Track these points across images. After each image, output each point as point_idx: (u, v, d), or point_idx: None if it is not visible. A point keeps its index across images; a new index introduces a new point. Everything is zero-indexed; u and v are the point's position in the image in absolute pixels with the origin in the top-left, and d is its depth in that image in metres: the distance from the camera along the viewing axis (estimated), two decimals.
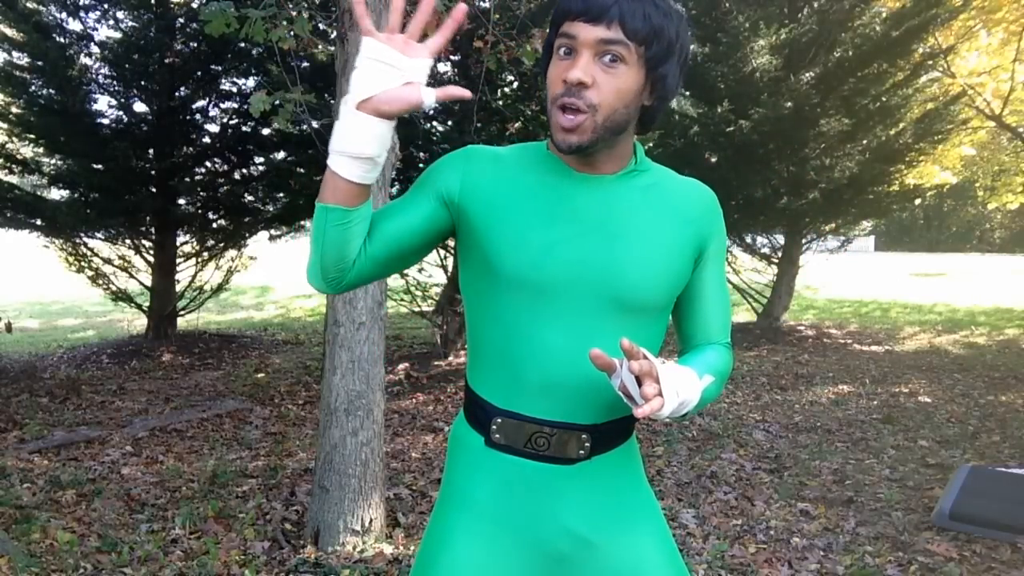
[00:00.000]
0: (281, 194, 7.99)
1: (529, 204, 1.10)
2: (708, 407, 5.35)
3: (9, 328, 7.88)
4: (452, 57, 6.90)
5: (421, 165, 6.96)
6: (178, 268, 7.89)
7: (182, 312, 8.19)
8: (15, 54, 7.10)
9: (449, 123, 7.43)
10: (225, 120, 7.85)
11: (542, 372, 1.09)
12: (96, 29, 7.65)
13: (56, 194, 8.14)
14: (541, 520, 1.13)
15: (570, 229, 1.09)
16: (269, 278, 15.32)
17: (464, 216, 1.12)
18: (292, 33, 3.43)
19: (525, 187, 1.11)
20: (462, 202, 1.11)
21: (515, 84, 7.26)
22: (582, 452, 1.12)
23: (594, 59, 1.01)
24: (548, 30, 1.09)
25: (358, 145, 1.00)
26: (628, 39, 1.00)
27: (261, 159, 8.02)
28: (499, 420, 1.12)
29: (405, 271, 7.24)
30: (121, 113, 7.47)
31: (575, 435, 1.11)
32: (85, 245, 7.57)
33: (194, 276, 8.08)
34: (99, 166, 7.09)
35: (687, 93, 9.44)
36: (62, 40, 7.02)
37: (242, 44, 6.70)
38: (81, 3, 7.11)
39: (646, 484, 1.24)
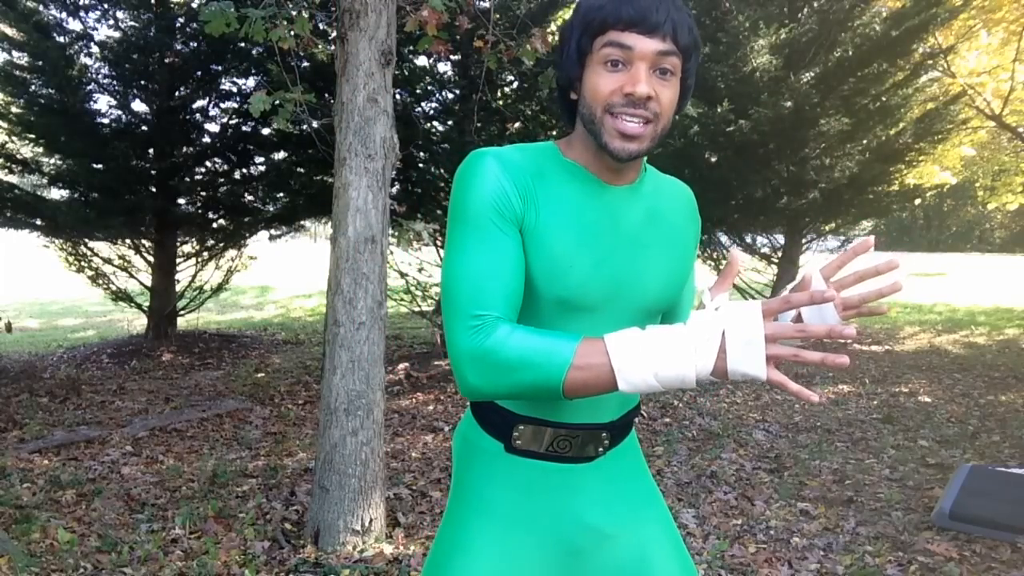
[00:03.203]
0: (281, 194, 7.99)
1: (574, 223, 1.06)
2: (708, 406, 5.35)
3: (9, 328, 7.89)
4: (452, 57, 6.90)
5: (421, 165, 6.96)
6: (178, 268, 7.89)
7: (182, 312, 8.19)
8: (15, 54, 7.10)
9: (449, 123, 7.43)
10: (225, 120, 7.85)
11: None
12: (96, 29, 7.66)
13: (56, 194, 8.14)
14: (560, 518, 1.14)
15: (610, 245, 1.08)
16: (269, 278, 15.32)
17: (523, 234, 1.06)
18: (292, 33, 3.43)
19: (564, 204, 1.06)
20: (524, 219, 1.05)
21: (515, 84, 7.25)
22: (601, 449, 1.14)
23: (649, 71, 1.00)
24: (580, 34, 1.03)
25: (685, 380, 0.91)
26: (680, 52, 1.01)
27: (261, 159, 8.02)
28: (521, 427, 1.11)
29: (405, 272, 7.25)
30: (121, 113, 7.47)
31: (596, 434, 1.12)
32: (85, 245, 7.57)
33: (194, 276, 8.08)
34: (99, 166, 7.09)
35: None
36: (62, 40, 7.02)
37: (242, 44, 6.71)
38: (81, 3, 7.11)
39: (648, 472, 1.27)
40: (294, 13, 3.44)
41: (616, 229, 1.09)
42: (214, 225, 8.04)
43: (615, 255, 1.08)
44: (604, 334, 1.05)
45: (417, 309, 7.34)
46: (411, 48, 6.35)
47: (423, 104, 7.32)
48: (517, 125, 6.83)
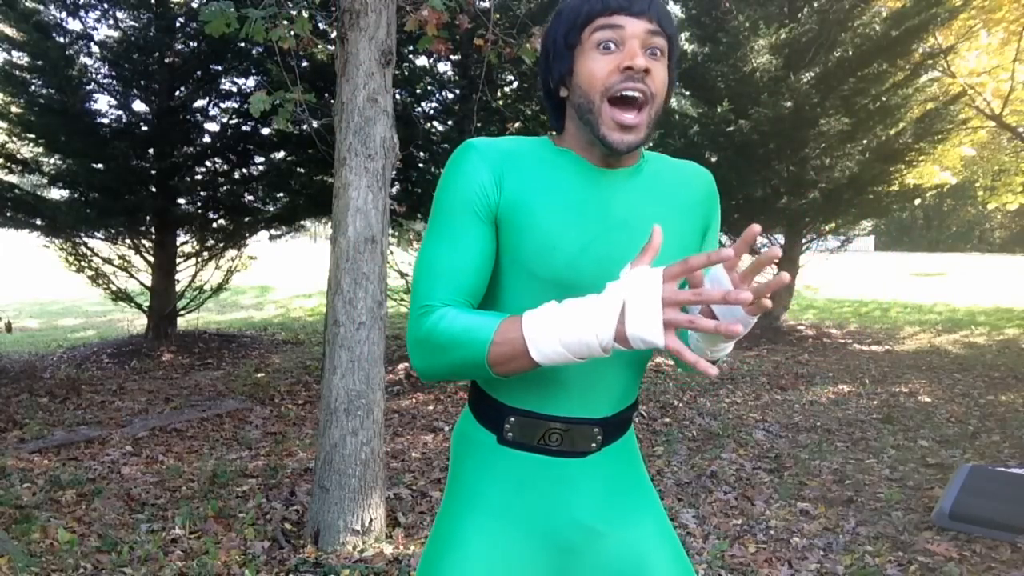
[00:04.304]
0: (281, 194, 7.99)
1: (560, 203, 1.08)
2: (708, 406, 5.35)
3: (9, 328, 7.88)
4: (452, 57, 6.90)
5: (421, 165, 6.96)
6: (178, 268, 7.89)
7: (182, 312, 8.19)
8: (15, 54, 7.10)
9: (449, 123, 7.43)
10: (225, 120, 7.85)
11: (559, 370, 1.09)
12: (96, 29, 7.66)
13: (56, 194, 8.14)
14: (552, 513, 1.14)
15: (600, 227, 1.08)
16: (269, 278, 15.33)
17: (501, 220, 1.08)
18: (292, 33, 3.43)
19: (552, 185, 1.09)
20: (500, 207, 1.07)
21: (515, 84, 7.26)
22: (594, 445, 1.13)
23: (642, 49, 1.03)
24: (566, 31, 1.05)
25: (589, 349, 0.92)
26: (666, 33, 1.04)
27: (261, 159, 8.02)
28: (513, 419, 1.12)
29: (405, 272, 7.25)
30: (121, 113, 7.47)
31: (588, 429, 1.12)
32: (85, 245, 7.57)
33: (194, 276, 8.08)
34: (99, 166, 7.09)
35: (687, 93, 9.44)
36: (62, 40, 7.02)
37: (242, 44, 6.71)
38: (81, 3, 7.12)
39: (646, 473, 1.26)
40: (294, 13, 3.44)
41: (607, 211, 1.09)
42: (214, 225, 8.04)
43: (605, 236, 1.08)
44: None
45: None
46: (411, 48, 6.35)
47: (423, 104, 7.32)
48: (517, 125, 6.84)
